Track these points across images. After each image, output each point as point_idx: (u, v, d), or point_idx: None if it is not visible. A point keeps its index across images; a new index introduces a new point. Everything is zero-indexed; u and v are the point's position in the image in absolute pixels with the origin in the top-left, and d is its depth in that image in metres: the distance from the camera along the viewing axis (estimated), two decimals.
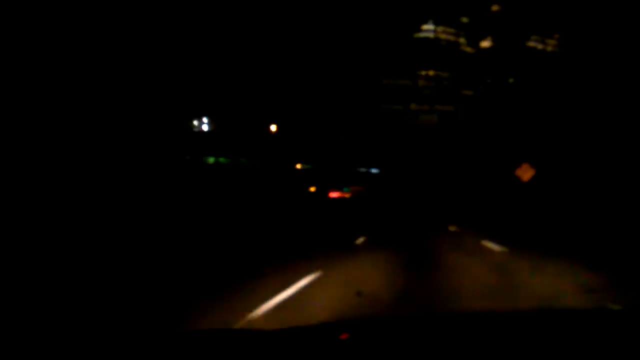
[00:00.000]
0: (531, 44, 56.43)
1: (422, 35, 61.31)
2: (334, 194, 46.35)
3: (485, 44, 61.20)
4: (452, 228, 19.26)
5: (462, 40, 62.48)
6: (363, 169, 55.83)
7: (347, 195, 47.06)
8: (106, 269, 8.42)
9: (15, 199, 16.24)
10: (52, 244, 10.67)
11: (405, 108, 53.66)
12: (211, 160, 46.00)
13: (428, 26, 61.07)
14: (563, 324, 2.07)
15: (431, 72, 56.59)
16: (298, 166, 51.07)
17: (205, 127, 55.50)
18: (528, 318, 2.33)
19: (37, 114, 23.70)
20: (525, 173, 21.25)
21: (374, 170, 56.08)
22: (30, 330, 4.49)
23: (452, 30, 61.95)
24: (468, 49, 61.65)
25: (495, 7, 59.61)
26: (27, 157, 21.20)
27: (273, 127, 45.44)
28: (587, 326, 2.00)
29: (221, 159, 46.37)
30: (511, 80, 53.30)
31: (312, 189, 46.16)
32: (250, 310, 5.34)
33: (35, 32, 23.86)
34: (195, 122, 55.68)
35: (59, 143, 24.20)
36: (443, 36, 61.55)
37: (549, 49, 55.59)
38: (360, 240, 14.51)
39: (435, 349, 1.69)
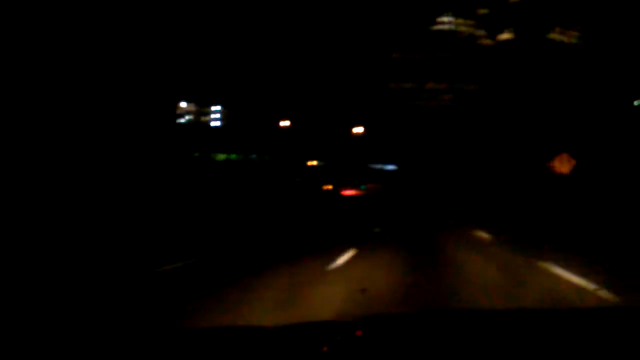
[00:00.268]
0: (553, 36, 54.67)
1: (440, 27, 59.51)
2: (349, 192, 44.57)
3: (505, 36, 59.37)
4: (481, 234, 14.63)
5: (480, 32, 60.64)
6: (378, 166, 53.91)
7: (363, 194, 45.23)
8: (107, 267, 8.32)
9: (14, 198, 15.97)
10: (52, 243, 10.52)
11: (420, 86, 50.64)
12: (221, 157, 44.57)
13: (446, 18, 59.22)
14: (569, 322, 2.07)
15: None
16: (313, 163, 49.51)
17: (216, 123, 54.13)
18: (536, 317, 2.31)
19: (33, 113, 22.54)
20: (564, 165, 19.17)
21: (390, 167, 54.14)
22: (31, 330, 4.45)
23: (471, 22, 60.11)
24: (488, 42, 59.72)
25: None
26: (27, 157, 20.78)
27: (285, 123, 43.76)
28: (593, 325, 1.99)
29: (232, 156, 44.96)
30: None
31: (329, 187, 44.32)
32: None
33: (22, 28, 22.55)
34: (206, 118, 54.44)
35: (59, 139, 23.71)
36: (462, 29, 59.70)
37: (572, 40, 53.66)
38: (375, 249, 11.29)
39: (445, 347, 1.69)
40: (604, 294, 5.91)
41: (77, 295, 6.29)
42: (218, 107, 54.68)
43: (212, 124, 53.81)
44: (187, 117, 52.77)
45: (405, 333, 1.97)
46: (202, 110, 53.56)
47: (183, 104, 51.19)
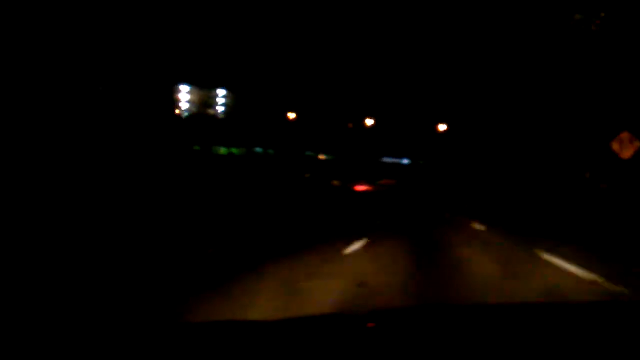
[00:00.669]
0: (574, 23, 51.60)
1: None
2: (361, 188, 41.82)
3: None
4: (552, 259, 8.33)
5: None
6: (391, 159, 50.75)
7: (376, 189, 42.43)
8: (110, 265, 7.99)
9: (10, 196, 15.43)
10: (49, 241, 10.24)
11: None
12: (223, 150, 41.84)
13: None
14: (571, 317, 2.06)
15: None
16: (321, 157, 46.86)
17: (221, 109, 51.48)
18: (536, 311, 2.31)
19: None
20: (626, 147, 15.92)
21: (404, 161, 50.98)
22: (29, 328, 4.53)
23: None
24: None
25: None
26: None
27: (291, 115, 41.00)
28: (595, 319, 1.99)
29: (234, 150, 42.23)
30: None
31: (338, 182, 41.44)
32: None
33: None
34: (210, 111, 51.96)
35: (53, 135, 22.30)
36: None
37: (593, 28, 50.61)
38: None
39: (454, 340, 1.71)
40: None
41: (69, 292, 6.05)
42: (222, 100, 52.19)
43: (219, 109, 50.95)
44: (187, 107, 50.14)
45: (417, 325, 1.96)
46: (204, 100, 50.97)
47: (184, 91, 48.57)
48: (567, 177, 26.04)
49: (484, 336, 1.71)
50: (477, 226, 15.29)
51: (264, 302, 5.29)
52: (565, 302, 4.39)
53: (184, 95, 50.92)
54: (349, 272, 7.25)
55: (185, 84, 47.22)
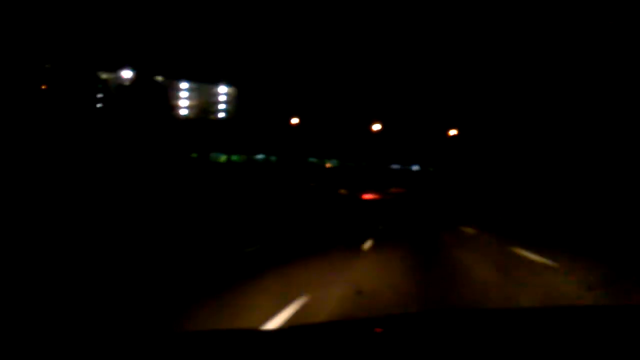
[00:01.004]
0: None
1: None
2: (369, 196, 39.93)
3: None
4: None
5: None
6: (400, 166, 48.46)
7: (384, 198, 40.46)
8: (111, 270, 8.06)
9: (14, 198, 15.77)
10: (51, 244, 10.51)
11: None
12: (222, 158, 39.69)
13: None
14: (575, 321, 2.03)
15: None
16: (328, 165, 44.69)
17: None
18: (540, 315, 2.29)
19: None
20: None
21: (414, 167, 48.69)
22: (29, 330, 4.58)
23: None
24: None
25: None
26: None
27: (294, 120, 39.00)
28: (595, 323, 1.98)
29: (234, 157, 40.09)
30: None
31: (345, 191, 39.42)
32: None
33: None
34: (212, 117, 50.00)
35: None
36: None
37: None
38: None
39: (462, 344, 1.70)
40: None
41: (70, 296, 5.95)
42: (223, 106, 50.32)
43: (220, 115, 48.87)
44: (186, 112, 48.12)
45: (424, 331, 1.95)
46: (204, 106, 49.05)
47: (183, 96, 46.56)
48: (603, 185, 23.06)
49: (488, 340, 1.72)
50: (525, 254, 10.12)
51: None
52: (567, 306, 4.31)
53: (184, 102, 49.11)
54: None
55: (186, 82, 45.29)
